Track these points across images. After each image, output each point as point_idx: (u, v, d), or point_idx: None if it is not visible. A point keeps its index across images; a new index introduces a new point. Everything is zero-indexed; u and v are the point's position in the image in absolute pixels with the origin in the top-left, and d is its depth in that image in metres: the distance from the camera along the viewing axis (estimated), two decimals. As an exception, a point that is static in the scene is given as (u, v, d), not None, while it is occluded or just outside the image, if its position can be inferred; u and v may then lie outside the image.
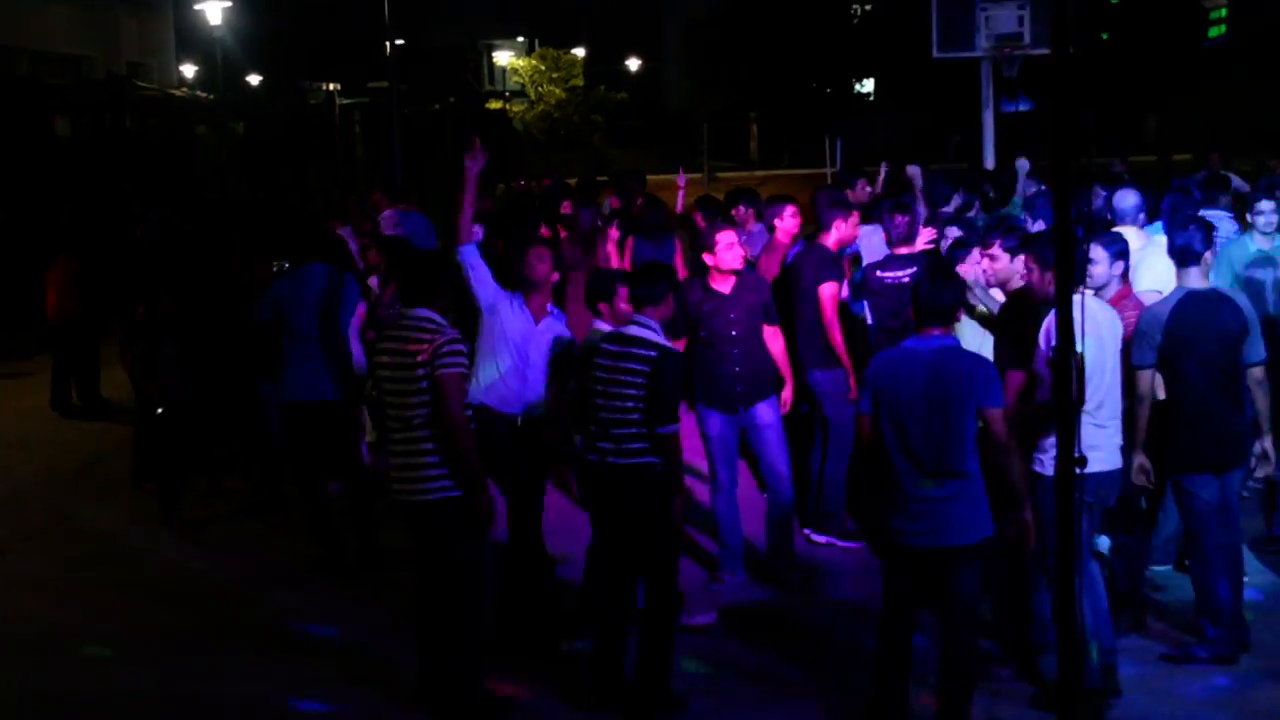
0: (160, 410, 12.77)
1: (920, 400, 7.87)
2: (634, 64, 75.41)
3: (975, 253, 9.95)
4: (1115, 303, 9.13)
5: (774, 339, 10.78)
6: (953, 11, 25.28)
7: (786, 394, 10.97)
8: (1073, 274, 5.74)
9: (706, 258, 10.69)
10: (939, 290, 8.07)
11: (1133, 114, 47.16)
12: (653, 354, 8.51)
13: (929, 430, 7.87)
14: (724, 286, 10.64)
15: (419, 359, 8.26)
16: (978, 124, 26.47)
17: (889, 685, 8.36)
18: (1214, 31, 9.64)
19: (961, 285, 8.52)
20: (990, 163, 25.04)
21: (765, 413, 10.72)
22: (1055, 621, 6.32)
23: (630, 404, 8.56)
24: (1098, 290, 8.96)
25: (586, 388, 8.84)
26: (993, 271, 9.44)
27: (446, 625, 8.55)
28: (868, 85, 67.08)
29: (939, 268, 8.87)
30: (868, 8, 62.90)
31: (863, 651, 8.74)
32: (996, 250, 9.40)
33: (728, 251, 10.60)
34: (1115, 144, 38.63)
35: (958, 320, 8.29)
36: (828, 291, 11.20)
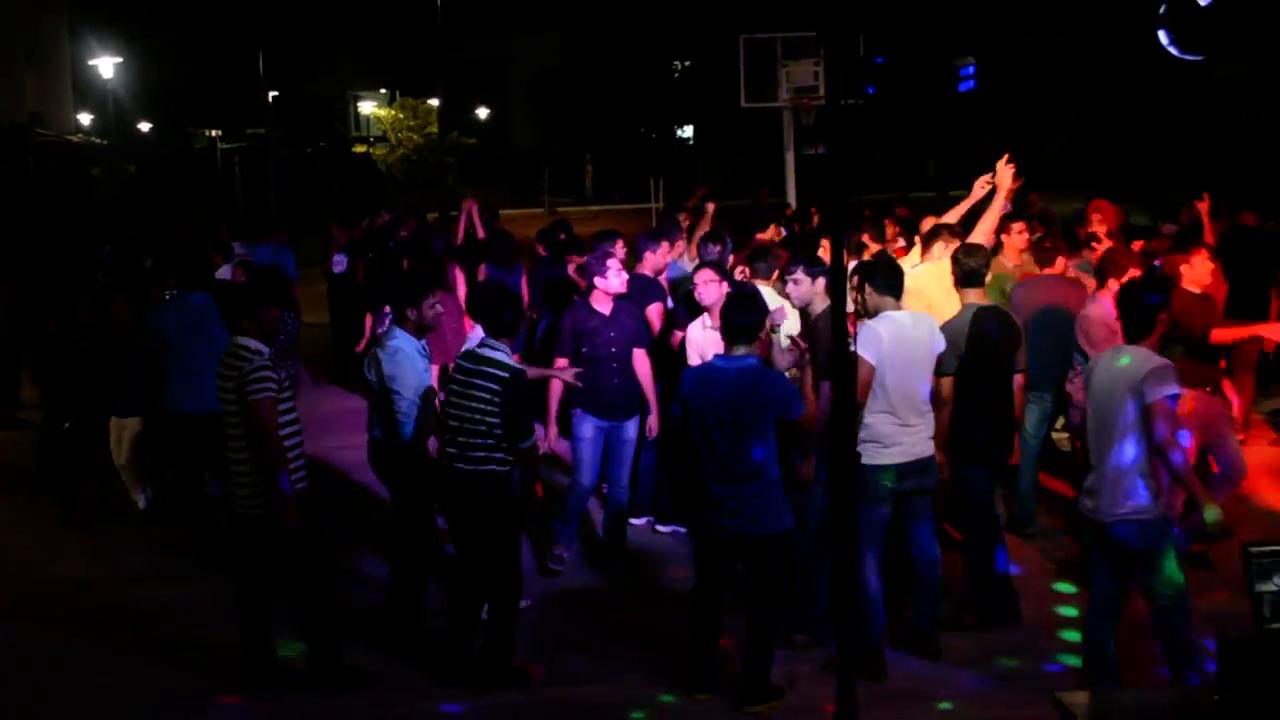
0: (68, 424, 12.63)
1: (725, 411, 8.13)
2: (483, 113, 75.32)
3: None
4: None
5: (640, 361, 10.90)
6: (758, 67, 25.58)
7: (653, 420, 11.07)
8: (844, 296, 5.84)
9: (597, 280, 10.81)
10: (742, 312, 8.25)
11: (915, 157, 48.00)
12: (505, 375, 8.60)
13: (732, 438, 8.14)
14: (605, 308, 10.82)
15: (230, 385, 8.38)
16: (781, 165, 26.71)
17: (701, 654, 8.56)
18: (965, 87, 9.79)
19: (763, 309, 8.68)
20: (792, 199, 25.30)
21: (630, 429, 10.96)
22: (833, 591, 6.43)
23: (478, 416, 8.62)
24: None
25: (444, 402, 8.92)
26: (796, 295, 9.57)
27: (262, 609, 8.76)
28: (688, 131, 67.30)
29: (742, 293, 9.00)
30: (686, 64, 63.17)
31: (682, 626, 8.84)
32: (799, 275, 9.53)
33: (616, 276, 10.81)
34: (899, 182, 39.22)
35: (761, 339, 8.52)
36: (654, 311, 11.45)
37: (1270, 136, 38.03)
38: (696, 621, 8.63)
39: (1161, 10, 6.13)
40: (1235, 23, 6.00)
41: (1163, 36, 6.16)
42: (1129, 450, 7.67)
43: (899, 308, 8.90)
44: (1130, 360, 7.74)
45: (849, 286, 8.45)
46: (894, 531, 9.03)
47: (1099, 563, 8.08)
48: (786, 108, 25.98)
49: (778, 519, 8.33)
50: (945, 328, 9.24)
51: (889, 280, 8.92)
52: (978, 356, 9.23)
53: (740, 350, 8.26)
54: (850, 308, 8.08)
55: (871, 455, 8.71)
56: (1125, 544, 7.74)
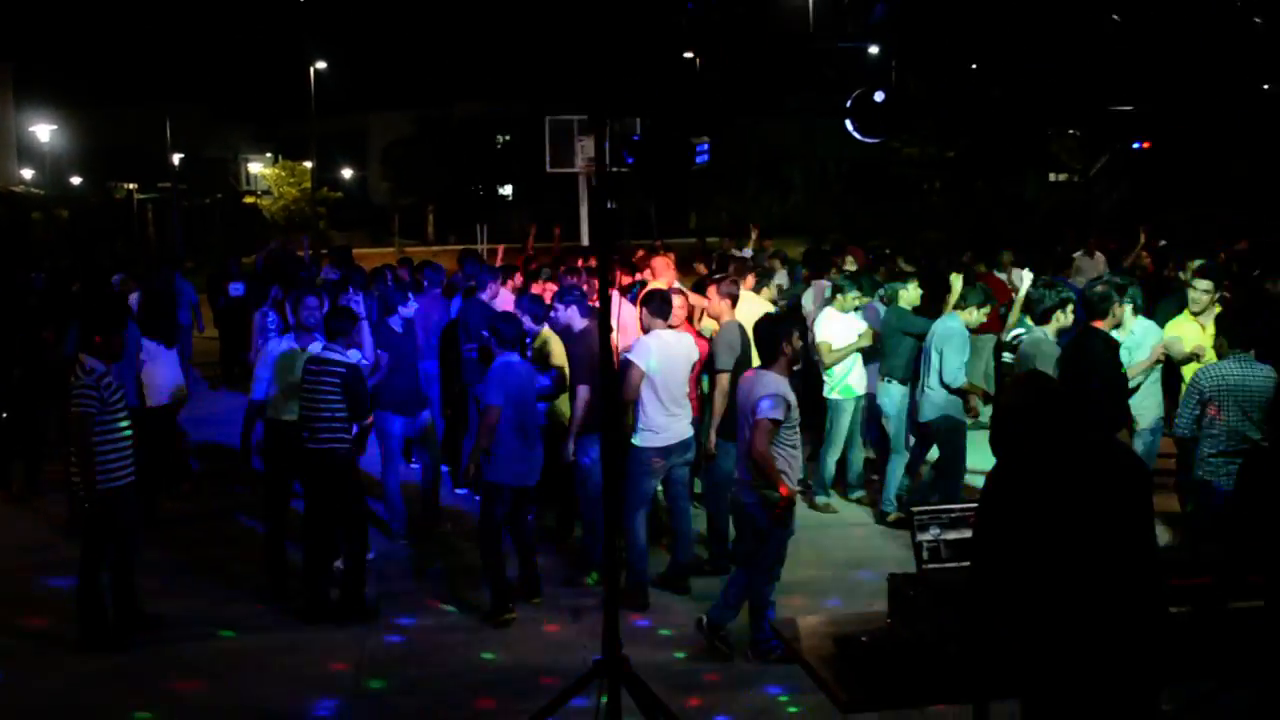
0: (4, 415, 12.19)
1: (525, 396, 8.56)
2: (348, 172, 74.32)
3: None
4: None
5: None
6: (560, 141, 25.77)
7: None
8: (609, 320, 5.86)
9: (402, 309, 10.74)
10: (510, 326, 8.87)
11: (681, 210, 48.44)
12: (343, 370, 8.61)
13: (531, 419, 8.51)
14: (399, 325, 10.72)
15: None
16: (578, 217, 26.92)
17: (496, 585, 8.72)
18: (700, 160, 9.89)
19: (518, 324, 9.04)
20: (586, 243, 25.43)
21: (425, 419, 10.73)
22: (606, 542, 6.44)
23: (323, 404, 8.57)
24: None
25: (301, 396, 8.83)
26: (563, 317, 9.86)
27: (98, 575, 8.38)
28: (508, 189, 67.07)
29: (506, 313, 9.53)
30: (507, 137, 63.06)
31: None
32: (559, 305, 9.94)
33: (412, 303, 10.91)
34: (667, 230, 39.33)
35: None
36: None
37: (944, 202, 39.16)
38: (488, 555, 8.79)
39: (848, 104, 6.30)
40: (899, 116, 6.18)
41: (849, 124, 6.32)
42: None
43: (667, 326, 9.02)
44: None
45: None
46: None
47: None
48: (581, 172, 26.16)
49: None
50: (722, 334, 9.47)
51: (659, 307, 9.05)
52: (740, 359, 9.36)
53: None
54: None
55: (647, 439, 8.80)
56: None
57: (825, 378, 11.09)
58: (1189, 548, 6.95)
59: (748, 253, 13.53)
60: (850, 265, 13.81)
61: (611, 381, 6.47)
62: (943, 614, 5.26)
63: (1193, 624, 5.32)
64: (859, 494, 11.52)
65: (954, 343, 10.01)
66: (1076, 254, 16.86)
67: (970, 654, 5.04)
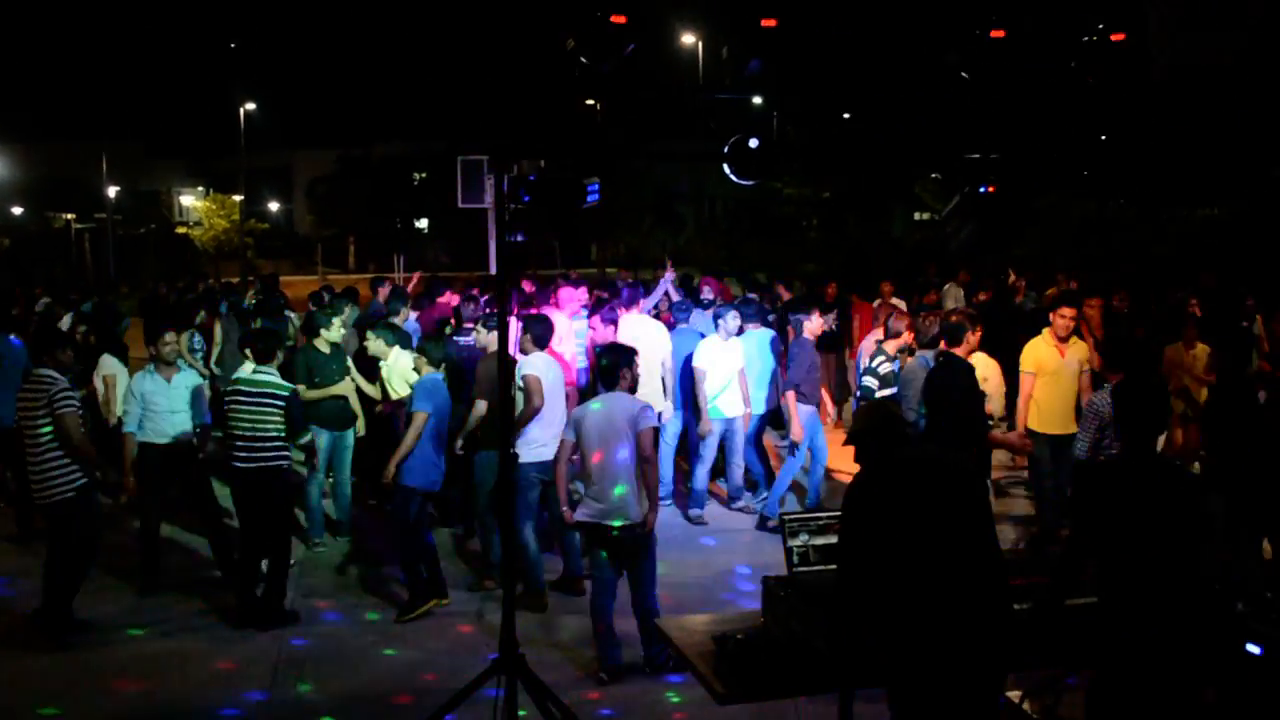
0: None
1: (444, 411, 8.86)
2: (274, 205, 73.42)
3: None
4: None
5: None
6: (470, 178, 25.53)
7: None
8: (508, 343, 5.84)
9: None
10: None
11: (582, 242, 48.52)
12: (286, 393, 8.56)
13: (445, 432, 8.86)
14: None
15: (40, 403, 8.03)
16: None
17: (415, 581, 8.79)
18: (591, 199, 9.99)
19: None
20: (494, 271, 25.30)
21: (349, 437, 10.66)
22: (504, 551, 6.40)
23: (262, 423, 8.46)
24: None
25: (234, 412, 8.59)
26: (482, 340, 9.76)
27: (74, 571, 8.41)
28: (423, 222, 66.61)
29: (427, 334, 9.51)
30: (423, 175, 62.63)
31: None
32: (479, 328, 9.86)
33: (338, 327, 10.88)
34: (571, 262, 39.33)
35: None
36: None
37: (821, 237, 39.59)
38: (409, 552, 8.79)
39: (725, 150, 6.33)
40: (772, 161, 6.23)
41: (726, 167, 6.35)
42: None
43: (543, 352, 9.05)
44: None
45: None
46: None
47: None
48: (489, 208, 26.01)
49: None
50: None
51: (539, 334, 9.07)
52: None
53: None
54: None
55: (527, 454, 8.74)
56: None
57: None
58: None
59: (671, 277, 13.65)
60: (709, 294, 14.03)
61: (508, 400, 6.43)
62: (812, 613, 5.30)
63: (1033, 619, 5.41)
64: (740, 504, 11.57)
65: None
66: (947, 285, 17.16)
67: (836, 649, 5.10)
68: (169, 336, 9.34)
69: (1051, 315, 10.14)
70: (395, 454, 8.62)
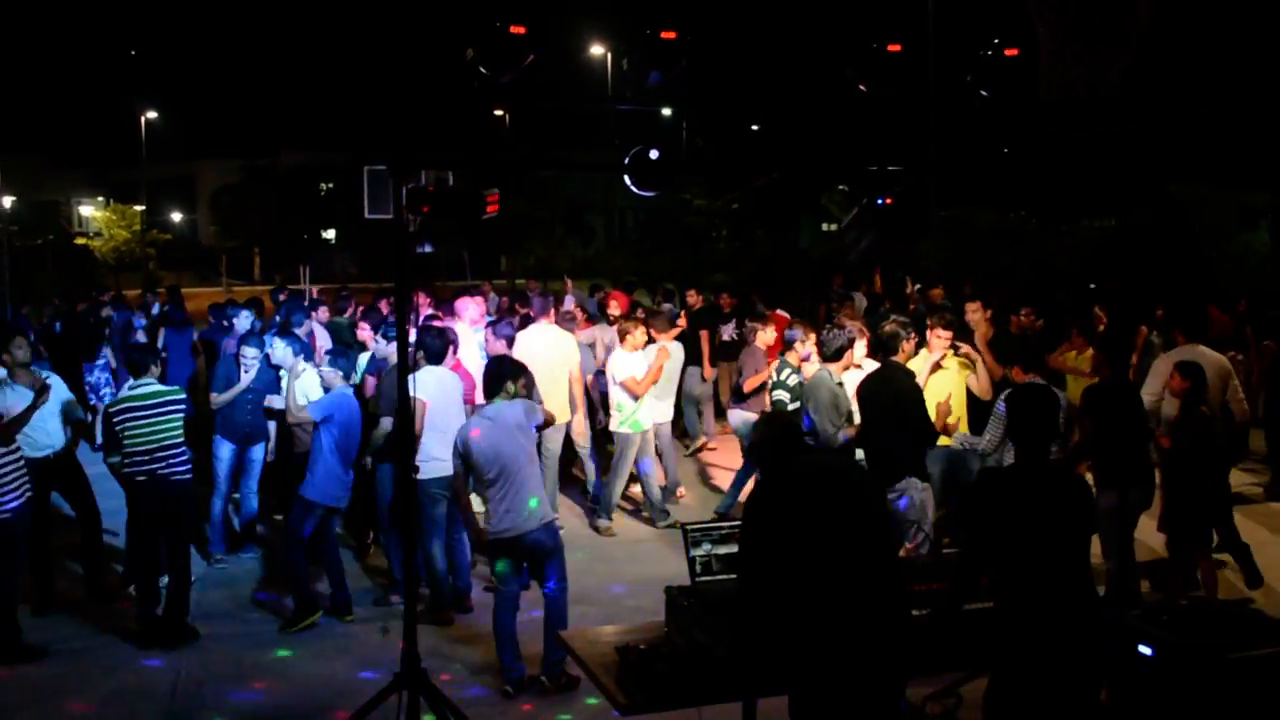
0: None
1: (352, 426, 8.89)
2: (177, 215, 72.15)
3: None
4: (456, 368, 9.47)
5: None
6: (376, 187, 25.25)
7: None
8: (407, 356, 5.81)
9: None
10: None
11: (492, 254, 48.31)
12: (180, 395, 8.49)
13: (353, 447, 8.88)
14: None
15: None
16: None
17: (302, 592, 8.81)
18: (490, 208, 9.87)
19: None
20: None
21: (258, 451, 10.51)
22: (405, 565, 6.35)
23: (166, 431, 8.35)
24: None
25: (129, 428, 8.39)
26: (381, 352, 9.72)
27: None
28: (330, 233, 65.86)
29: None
30: (330, 185, 61.89)
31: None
32: (379, 339, 10.16)
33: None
34: (480, 272, 39.24)
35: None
36: None
37: (730, 248, 39.86)
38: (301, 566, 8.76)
39: (626, 161, 6.36)
40: (673, 172, 6.27)
41: (627, 179, 6.37)
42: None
43: (439, 365, 9.02)
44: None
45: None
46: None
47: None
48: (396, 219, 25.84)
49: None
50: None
51: (432, 347, 9.02)
52: None
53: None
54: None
55: (427, 470, 8.64)
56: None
57: (615, 411, 11.11)
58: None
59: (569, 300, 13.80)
60: (615, 310, 14.04)
61: (408, 415, 6.39)
62: (713, 621, 5.33)
63: (932, 624, 5.50)
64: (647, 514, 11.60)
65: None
66: (855, 293, 17.39)
67: (737, 657, 5.13)
68: (19, 340, 8.96)
69: (929, 334, 10.04)
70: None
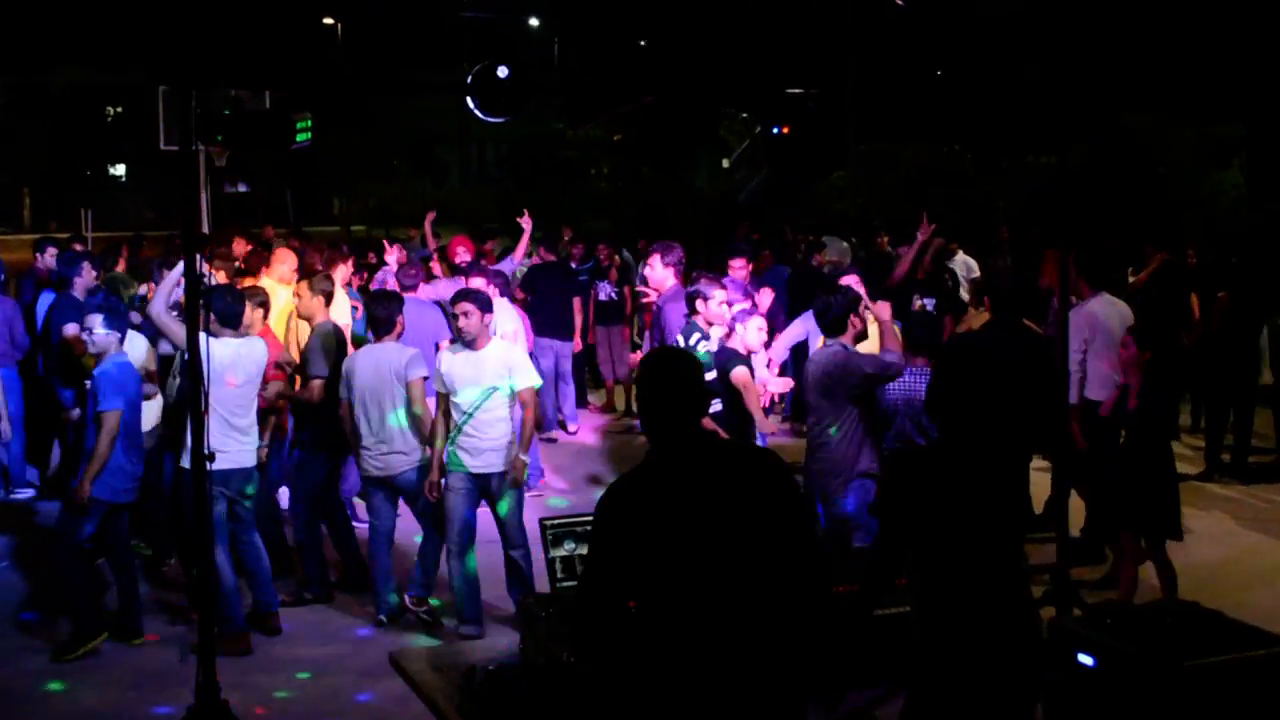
0: None
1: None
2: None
3: None
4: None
5: None
6: (175, 114, 24.77)
7: None
8: (198, 324, 5.71)
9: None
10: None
11: (324, 196, 47.70)
12: None
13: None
14: None
15: None
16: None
17: (80, 612, 8.73)
18: (301, 137, 9.59)
19: None
20: (206, 229, 24.62)
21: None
22: (199, 578, 6.28)
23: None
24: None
25: None
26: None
27: None
28: (120, 169, 64.43)
29: None
30: (118, 110, 60.54)
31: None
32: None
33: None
34: (308, 218, 38.80)
35: None
36: None
37: (612, 188, 40.00)
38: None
39: (469, 80, 6.29)
40: (523, 94, 6.23)
41: (470, 102, 6.32)
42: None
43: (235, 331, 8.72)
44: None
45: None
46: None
47: None
48: (203, 151, 25.28)
49: None
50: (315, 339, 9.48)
51: (223, 310, 8.50)
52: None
53: None
54: None
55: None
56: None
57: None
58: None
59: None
60: (463, 256, 13.95)
61: (198, 394, 6.25)
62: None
63: (838, 634, 5.54)
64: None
65: None
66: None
67: (604, 675, 5.07)
68: None
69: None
70: (89, 467, 8.23)
